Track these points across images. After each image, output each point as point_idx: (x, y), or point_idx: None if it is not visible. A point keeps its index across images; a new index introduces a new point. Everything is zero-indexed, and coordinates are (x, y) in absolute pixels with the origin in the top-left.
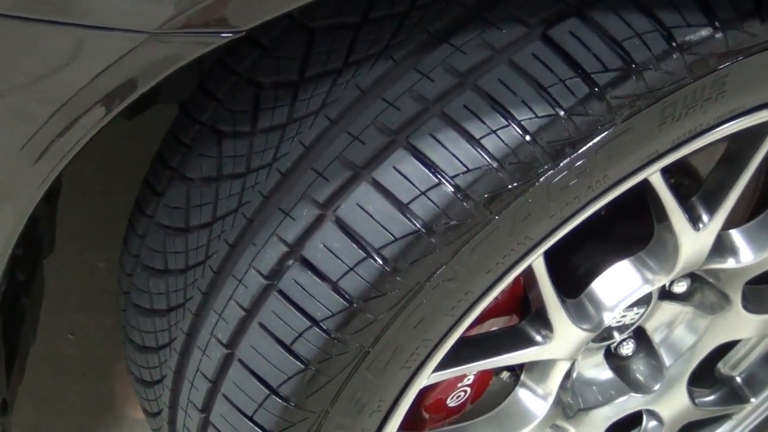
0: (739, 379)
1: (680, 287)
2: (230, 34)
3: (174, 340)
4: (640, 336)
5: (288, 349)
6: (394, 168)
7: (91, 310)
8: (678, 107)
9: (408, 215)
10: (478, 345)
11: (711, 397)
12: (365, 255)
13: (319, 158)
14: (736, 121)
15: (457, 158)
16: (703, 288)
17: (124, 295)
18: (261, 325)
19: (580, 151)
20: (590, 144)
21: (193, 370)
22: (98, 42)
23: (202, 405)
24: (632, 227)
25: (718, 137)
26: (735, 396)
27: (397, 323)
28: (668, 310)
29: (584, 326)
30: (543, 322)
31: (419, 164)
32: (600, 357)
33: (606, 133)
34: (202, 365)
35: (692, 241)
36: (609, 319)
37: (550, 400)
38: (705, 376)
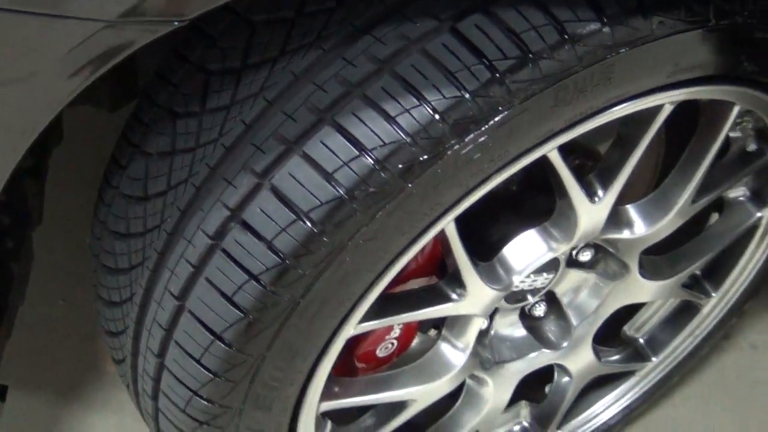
0: (641, 341)
1: (585, 256)
2: (177, 23)
3: (134, 294)
4: (551, 299)
5: (230, 300)
6: (321, 142)
7: (79, 279)
8: (569, 91)
9: (333, 183)
10: (401, 301)
11: (616, 356)
12: (296, 217)
13: (258, 134)
14: (622, 105)
15: (375, 134)
16: (605, 257)
17: (95, 258)
18: (207, 279)
19: (483, 128)
20: (492, 122)
21: (150, 321)
22: (62, 28)
23: (158, 351)
24: (539, 201)
25: (607, 120)
26: (638, 355)
27: (323, 278)
28: (575, 276)
29: (495, 286)
30: (458, 282)
31: (343, 139)
32: (515, 317)
33: (506, 113)
34: (158, 316)
35: (589, 213)
36: (517, 281)
37: (468, 352)
38: (612, 337)
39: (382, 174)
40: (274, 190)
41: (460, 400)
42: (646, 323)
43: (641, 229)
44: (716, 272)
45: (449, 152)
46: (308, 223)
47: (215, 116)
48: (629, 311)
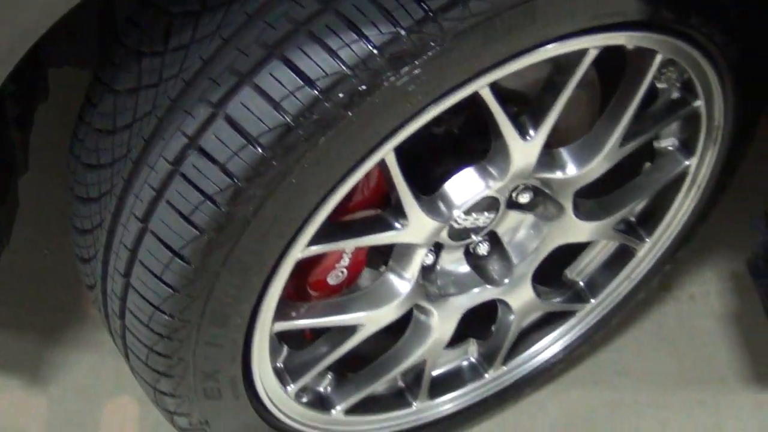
0: (581, 284)
1: (524, 198)
2: None
3: (104, 221)
4: (494, 239)
5: (187, 219)
6: (270, 74)
7: (64, 231)
8: (497, 30)
9: (280, 111)
10: (349, 228)
11: (558, 298)
12: (246, 142)
13: (214, 69)
14: (548, 46)
15: (319, 66)
16: (542, 199)
17: (70, 191)
18: (167, 201)
19: (417, 62)
20: (425, 57)
21: (117, 244)
22: None
23: (124, 271)
24: (479, 142)
25: (534, 60)
26: (578, 297)
27: (272, 198)
28: (515, 217)
29: (436, 218)
30: (400, 212)
31: (289, 71)
32: (460, 254)
33: (437, 48)
34: (124, 238)
35: (521, 151)
36: (457, 215)
37: (412, 281)
38: (554, 280)
39: (325, 103)
40: (227, 118)
41: (408, 331)
42: (586, 267)
43: (572, 170)
44: (649, 219)
45: (386, 84)
46: (258, 148)
47: (177, 54)
48: (571, 255)
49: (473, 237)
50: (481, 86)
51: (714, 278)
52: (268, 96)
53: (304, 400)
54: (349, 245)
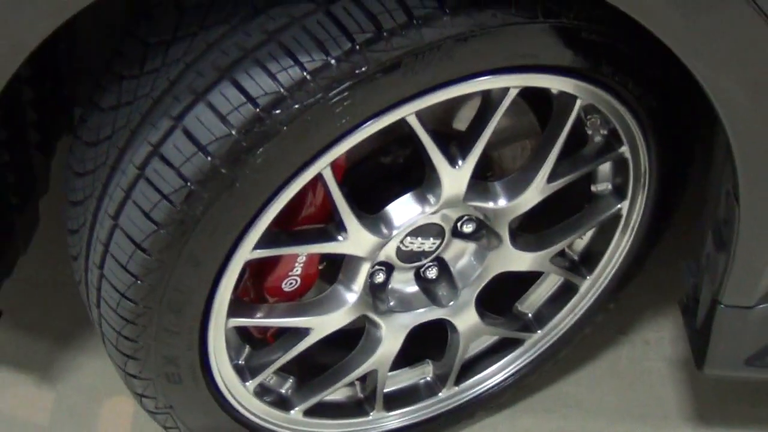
0: (530, 315)
1: (468, 228)
2: None
3: (86, 221)
4: (442, 264)
5: (147, 215)
6: (221, 93)
7: None
8: (417, 63)
9: (225, 123)
10: (296, 236)
11: (506, 325)
12: (198, 150)
13: (177, 88)
14: (468, 81)
15: (260, 86)
16: (484, 229)
17: (65, 198)
18: (133, 201)
19: (344, 87)
20: (350, 83)
21: (95, 240)
22: None
23: (99, 263)
24: (421, 170)
25: (456, 94)
26: (526, 327)
27: (219, 200)
28: (459, 245)
29: (376, 235)
30: (342, 225)
31: (236, 90)
32: (410, 276)
33: (363, 76)
34: (99, 235)
35: (451, 177)
36: (396, 234)
37: (359, 293)
38: (506, 310)
39: (262, 115)
40: (184, 129)
41: (360, 342)
42: (534, 301)
43: (503, 202)
44: (590, 257)
45: (316, 104)
46: (207, 156)
47: (149, 76)
48: (522, 290)
49: (422, 260)
50: (407, 113)
51: (669, 325)
52: (217, 111)
53: (267, 399)
54: (296, 251)
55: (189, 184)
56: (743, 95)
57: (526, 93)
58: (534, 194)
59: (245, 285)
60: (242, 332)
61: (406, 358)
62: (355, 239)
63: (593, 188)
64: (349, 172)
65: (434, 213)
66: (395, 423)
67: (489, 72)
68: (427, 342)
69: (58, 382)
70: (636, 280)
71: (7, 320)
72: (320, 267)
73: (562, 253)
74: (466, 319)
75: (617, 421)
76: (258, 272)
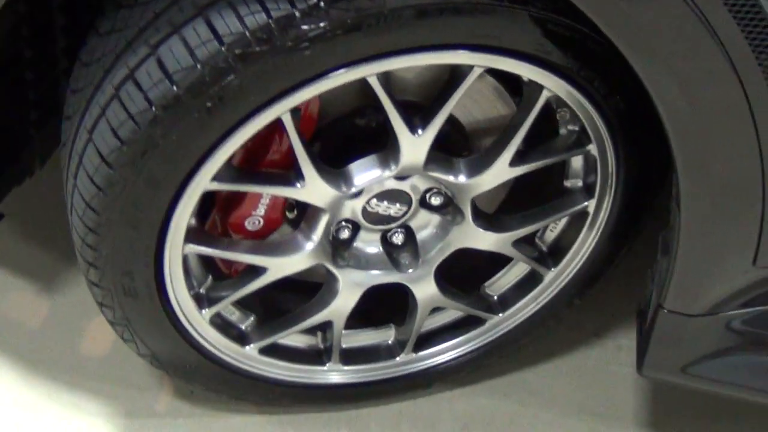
0: (495, 297)
1: (436, 201)
2: None
3: (70, 136)
4: (409, 233)
5: (114, 133)
6: (193, 28)
7: None
8: (377, 27)
9: (192, 56)
10: (256, 175)
11: (468, 302)
12: (164, 77)
13: (159, 21)
14: (432, 53)
15: (227, 26)
16: (450, 204)
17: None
18: (106, 118)
19: (304, 38)
20: (311, 35)
21: (75, 152)
22: None
23: (74, 172)
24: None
25: (419, 62)
26: (489, 308)
27: (177, 129)
28: (425, 216)
29: (334, 188)
30: (300, 172)
31: (207, 27)
32: (376, 238)
33: (323, 32)
34: (77, 147)
35: (411, 144)
36: (354, 190)
37: (316, 242)
38: (473, 291)
39: (224, 50)
40: (157, 58)
41: (318, 293)
42: (501, 285)
43: (463, 177)
44: (557, 250)
45: (276, 51)
46: (171, 83)
47: (142, 8)
48: (490, 273)
49: (389, 225)
50: (367, 74)
51: None
52: (187, 44)
53: (228, 332)
54: (255, 190)
55: (153, 107)
56: (679, 93)
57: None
58: (494, 175)
59: (213, 219)
60: (208, 264)
61: (372, 319)
62: (312, 188)
63: (565, 183)
64: (324, 128)
65: (401, 180)
66: (349, 377)
67: (451, 47)
68: (395, 308)
69: (56, 293)
70: (617, 286)
71: (22, 227)
72: (290, 215)
73: (531, 242)
74: (424, 288)
75: (571, 414)
76: (224, 207)
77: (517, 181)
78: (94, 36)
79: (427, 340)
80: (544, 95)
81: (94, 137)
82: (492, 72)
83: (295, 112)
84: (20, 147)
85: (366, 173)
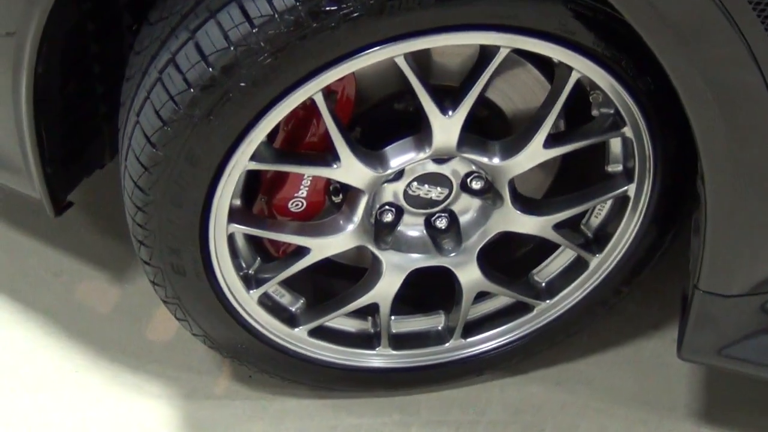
0: (543, 284)
1: (476, 185)
2: None
3: (122, 121)
4: (452, 217)
5: (157, 113)
6: (227, 12)
7: None
8: (398, 8)
9: (226, 39)
10: (294, 156)
11: (515, 286)
12: (200, 59)
13: (199, 7)
14: (456, 33)
15: (258, 9)
16: (490, 188)
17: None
18: (150, 101)
19: (329, 21)
20: (336, 17)
21: (127, 133)
22: None
23: (124, 155)
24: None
25: (441, 43)
26: (537, 295)
27: (216, 108)
28: (466, 200)
29: (371, 168)
30: (336, 153)
31: (239, 10)
32: (420, 221)
33: (348, 13)
34: (127, 129)
35: (442, 126)
36: (391, 171)
37: (357, 222)
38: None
39: (257, 37)
40: (195, 42)
41: (364, 276)
42: (548, 272)
43: (497, 159)
44: (602, 236)
45: (301, 33)
46: (207, 65)
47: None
48: (538, 259)
49: (432, 209)
50: (394, 54)
51: None
52: (222, 27)
53: (279, 314)
54: (293, 170)
55: (191, 88)
56: (698, 75)
57: None
58: (529, 157)
59: (260, 202)
60: (257, 246)
61: (423, 306)
62: (349, 169)
63: (606, 168)
64: (364, 113)
65: (440, 163)
66: (398, 362)
67: (474, 27)
68: (445, 295)
69: (125, 282)
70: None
71: (94, 219)
72: (336, 199)
73: (577, 229)
74: (468, 273)
75: (622, 403)
76: (269, 190)
77: (563, 167)
78: (145, 25)
79: (476, 326)
80: (574, 76)
81: (141, 119)
82: (531, 59)
83: (331, 95)
84: (90, 139)
85: (401, 155)
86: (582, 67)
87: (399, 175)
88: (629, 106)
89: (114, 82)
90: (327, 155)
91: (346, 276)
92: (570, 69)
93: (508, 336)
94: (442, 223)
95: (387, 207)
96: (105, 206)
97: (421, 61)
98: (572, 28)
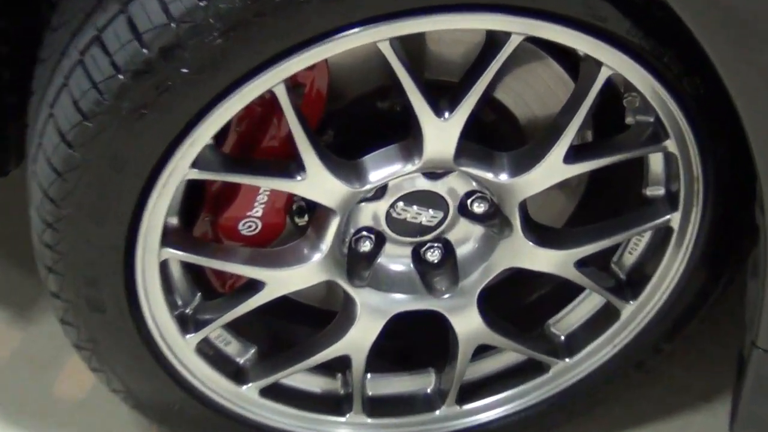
0: (562, 338)
1: (479, 207)
2: None
3: (33, 114)
4: (447, 248)
5: (76, 105)
6: None
7: None
8: None
9: (166, 13)
10: (247, 164)
11: (526, 340)
12: (133, 38)
13: None
14: (451, 14)
15: None
16: (496, 212)
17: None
18: (68, 90)
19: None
20: None
21: (38, 128)
22: None
23: (33, 156)
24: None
25: (438, 27)
26: (554, 351)
27: (148, 100)
28: (466, 227)
29: (344, 182)
30: (300, 161)
31: None
32: (406, 252)
33: None
34: (39, 124)
35: (436, 130)
36: (370, 186)
37: (326, 251)
38: (535, 330)
39: (205, 12)
40: (128, 16)
41: (334, 320)
42: (570, 322)
43: (505, 176)
44: (637, 278)
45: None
46: (141, 45)
47: None
48: (555, 307)
49: (422, 237)
50: (378, 38)
51: None
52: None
53: (223, 367)
54: (246, 181)
55: (120, 74)
56: (759, 80)
57: None
58: (545, 174)
59: (203, 222)
60: (198, 279)
61: (408, 362)
62: (316, 182)
63: (645, 191)
64: (339, 112)
65: (434, 179)
66: None
67: (481, 7)
68: (437, 349)
69: (30, 323)
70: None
71: (5, 241)
72: (300, 221)
73: (606, 268)
74: (466, 320)
75: None
76: (214, 206)
77: (589, 189)
78: (50, 32)
79: (475, 390)
80: (604, 73)
81: (55, 112)
82: (551, 50)
83: (296, 88)
84: None
85: (384, 167)
86: (614, 62)
87: (381, 192)
88: (673, 113)
89: (25, 65)
90: (289, 164)
91: (310, 320)
92: (599, 64)
93: (516, 404)
94: (434, 256)
95: (364, 233)
96: (4, 224)
97: (411, 48)
98: (603, 13)
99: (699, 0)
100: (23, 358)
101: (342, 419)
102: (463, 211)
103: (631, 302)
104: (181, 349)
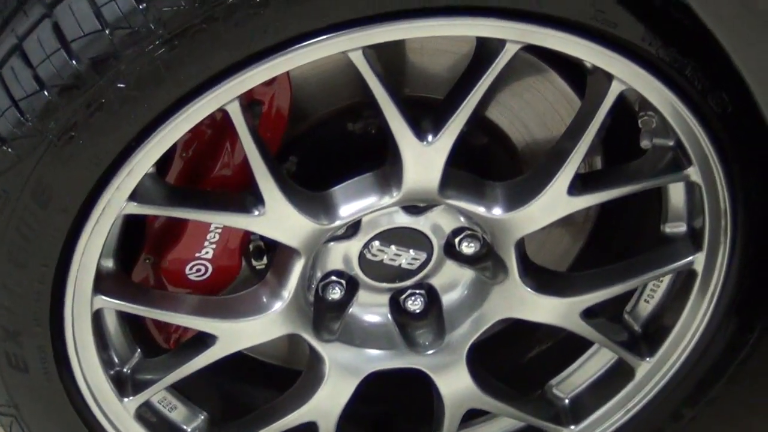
0: (566, 401)
1: (468, 248)
2: None
3: None
4: (431, 296)
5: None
6: None
7: None
8: None
9: (99, 20)
10: (196, 197)
11: (524, 403)
12: (60, 47)
13: None
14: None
15: None
16: (489, 254)
17: None
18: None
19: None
20: None
21: None
22: None
23: None
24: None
25: (421, 34)
26: (557, 417)
27: (79, 120)
28: (453, 270)
29: (310, 218)
30: (258, 193)
31: None
32: (383, 300)
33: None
34: None
35: (416, 154)
36: (340, 222)
37: (288, 299)
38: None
39: (144, 11)
40: (53, 22)
41: (298, 381)
42: (575, 382)
43: (499, 210)
44: (654, 331)
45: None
46: (69, 55)
47: None
48: (559, 365)
49: (402, 282)
50: (348, 48)
51: None
52: (93, 1)
53: None
54: (194, 216)
55: (44, 90)
56: None
57: None
58: (546, 208)
59: (144, 265)
60: (137, 332)
61: (385, 429)
62: (277, 218)
63: (663, 228)
64: (303, 135)
65: (415, 214)
66: None
67: (470, 11)
68: (420, 414)
69: None
70: None
71: None
72: (258, 264)
73: (618, 318)
74: (453, 380)
75: None
76: (156, 247)
77: (598, 226)
78: None
79: None
80: (615, 89)
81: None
82: (553, 62)
83: (253, 106)
84: None
85: (357, 200)
86: (627, 75)
87: (353, 230)
88: (696, 135)
89: None
90: (245, 197)
91: (269, 381)
92: (610, 78)
93: None
94: (415, 305)
95: (334, 278)
96: None
97: (388, 60)
98: (614, 18)
99: (726, 1)
100: None
101: None
102: (450, 251)
103: (648, 359)
104: (119, 416)
